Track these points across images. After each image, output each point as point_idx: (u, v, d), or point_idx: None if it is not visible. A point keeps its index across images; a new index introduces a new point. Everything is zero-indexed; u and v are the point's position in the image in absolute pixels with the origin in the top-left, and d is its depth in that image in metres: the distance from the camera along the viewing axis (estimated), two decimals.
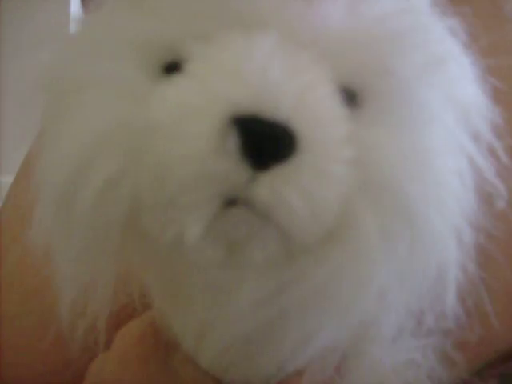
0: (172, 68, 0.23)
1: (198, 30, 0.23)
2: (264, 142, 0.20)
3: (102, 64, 0.24)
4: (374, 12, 0.23)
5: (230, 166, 0.20)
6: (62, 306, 0.27)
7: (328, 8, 0.23)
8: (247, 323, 0.24)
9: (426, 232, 0.23)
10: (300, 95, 0.21)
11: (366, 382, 0.28)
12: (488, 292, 0.26)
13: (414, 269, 0.24)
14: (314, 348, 0.24)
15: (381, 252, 0.22)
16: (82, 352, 0.29)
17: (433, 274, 0.25)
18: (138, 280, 0.27)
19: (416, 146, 0.23)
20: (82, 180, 0.22)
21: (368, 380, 0.28)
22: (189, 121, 0.21)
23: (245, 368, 0.27)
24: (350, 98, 0.23)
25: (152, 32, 0.24)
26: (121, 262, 0.26)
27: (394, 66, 0.23)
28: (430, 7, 0.25)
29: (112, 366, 0.31)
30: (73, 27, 0.28)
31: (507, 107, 0.26)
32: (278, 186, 0.20)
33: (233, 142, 0.20)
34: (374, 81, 0.23)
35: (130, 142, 0.22)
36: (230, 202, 0.21)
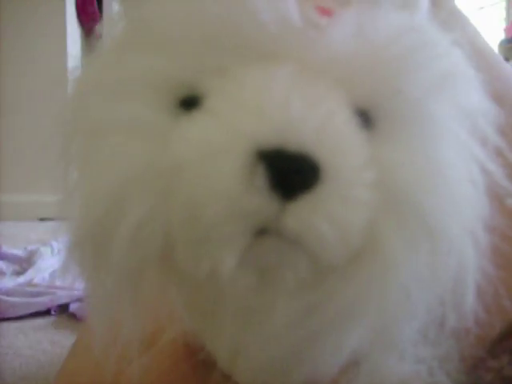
0: (189, 102, 0.24)
1: (213, 63, 0.23)
2: (290, 174, 0.21)
3: (119, 106, 0.24)
4: (381, 34, 0.24)
5: (259, 200, 0.21)
6: (95, 336, 0.28)
7: (336, 34, 0.23)
8: (280, 344, 0.25)
9: (444, 240, 0.24)
10: (321, 126, 0.22)
11: None
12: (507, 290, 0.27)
13: (435, 275, 0.25)
14: (342, 359, 0.25)
15: (405, 266, 0.23)
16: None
17: (452, 277, 0.26)
18: (167, 306, 0.28)
19: (430, 161, 0.24)
20: (115, 221, 0.23)
21: None
22: (215, 158, 0.21)
23: (280, 382, 0.28)
24: (365, 119, 0.24)
25: (165, 68, 0.24)
26: (153, 294, 0.26)
27: (402, 85, 0.24)
28: (430, 23, 0.26)
29: None
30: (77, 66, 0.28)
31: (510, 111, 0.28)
32: (305, 215, 0.21)
33: (261, 177, 0.21)
34: (385, 101, 0.24)
35: (158, 181, 0.23)
36: (261, 232, 0.22)
